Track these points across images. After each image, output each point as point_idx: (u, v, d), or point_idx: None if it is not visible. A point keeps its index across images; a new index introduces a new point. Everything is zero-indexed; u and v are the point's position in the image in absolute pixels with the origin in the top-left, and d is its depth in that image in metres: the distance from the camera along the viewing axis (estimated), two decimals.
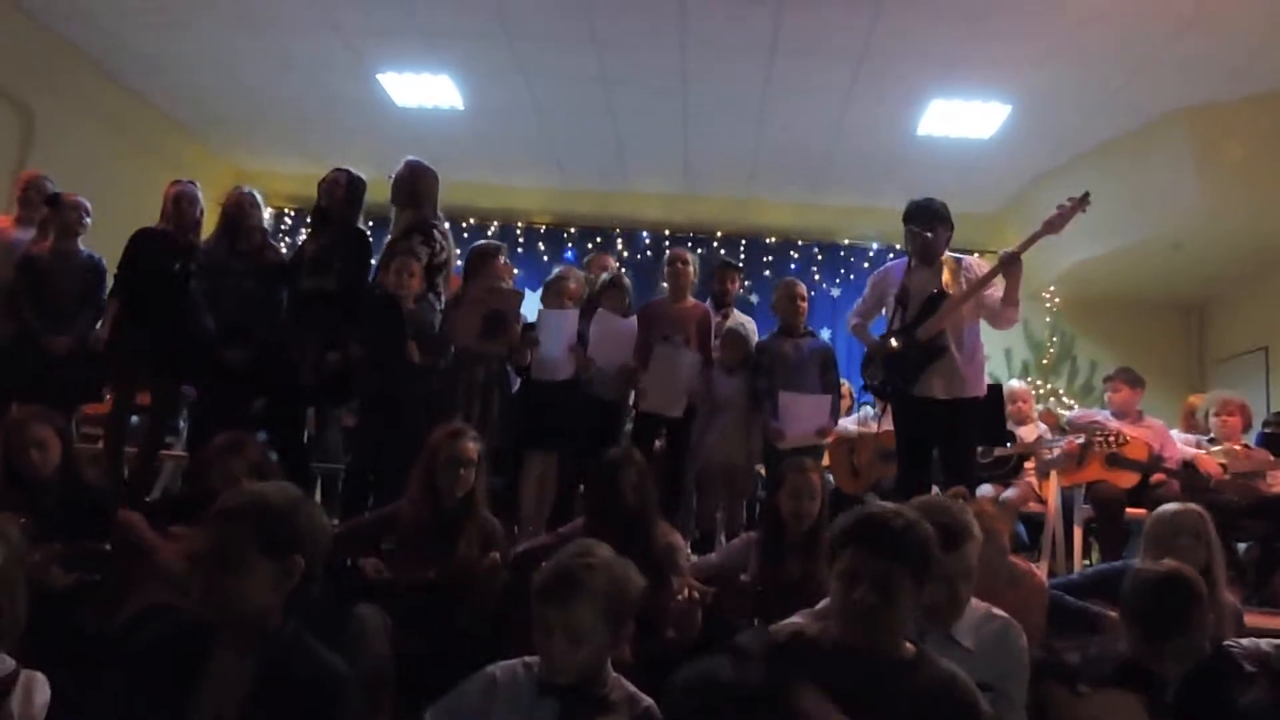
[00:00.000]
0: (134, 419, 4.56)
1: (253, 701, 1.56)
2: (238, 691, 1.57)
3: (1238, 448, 4.51)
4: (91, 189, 4.80)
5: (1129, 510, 4.28)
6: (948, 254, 3.90)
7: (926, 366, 3.72)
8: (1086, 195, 3.51)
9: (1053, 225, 3.55)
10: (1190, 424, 5.24)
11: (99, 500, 2.97)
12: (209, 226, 4.56)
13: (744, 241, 8.35)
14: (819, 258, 8.41)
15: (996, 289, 3.72)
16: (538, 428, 4.21)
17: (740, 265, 5.38)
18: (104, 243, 4.58)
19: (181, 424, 5.06)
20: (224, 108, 7.32)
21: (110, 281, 4.43)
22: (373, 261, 4.41)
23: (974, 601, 2.27)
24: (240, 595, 1.59)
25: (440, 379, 4.11)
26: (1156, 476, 4.37)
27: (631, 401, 4.50)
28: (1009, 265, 3.61)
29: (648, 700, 1.82)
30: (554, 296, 4.47)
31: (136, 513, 2.93)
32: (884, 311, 4.01)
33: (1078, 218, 3.56)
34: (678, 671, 1.80)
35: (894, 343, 3.80)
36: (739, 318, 4.99)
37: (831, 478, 4.93)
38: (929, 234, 3.79)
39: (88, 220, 4.52)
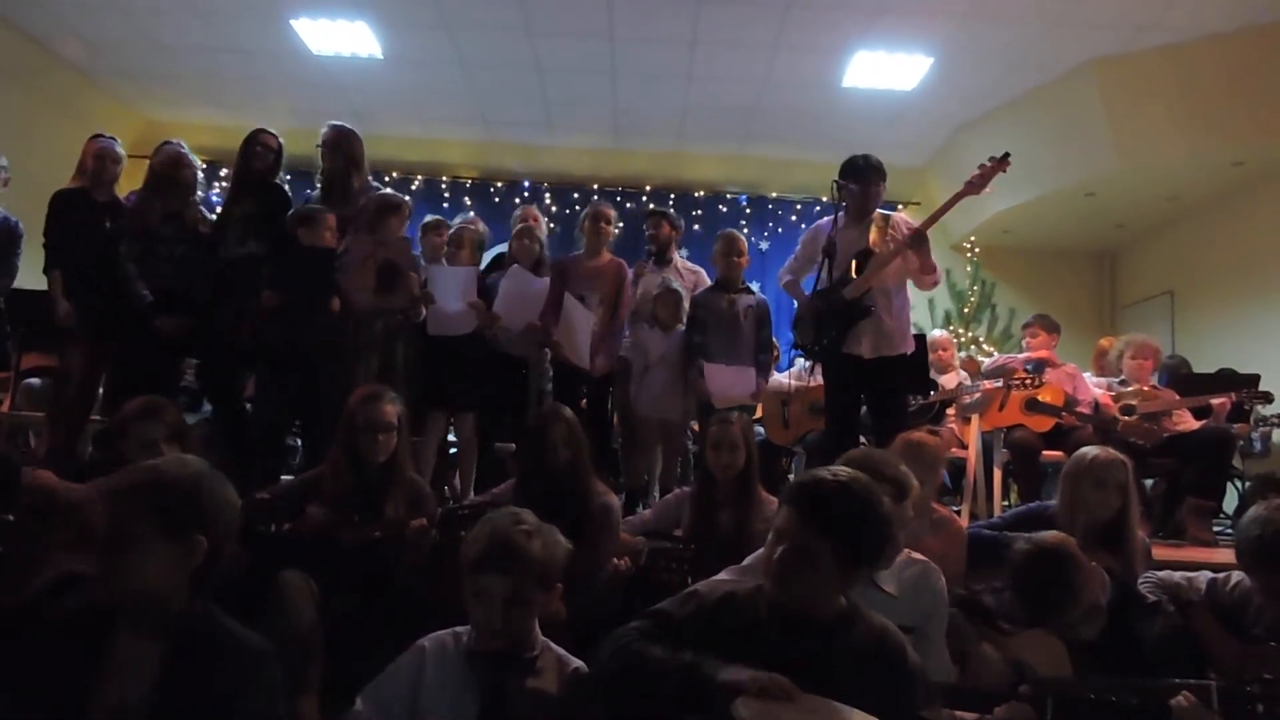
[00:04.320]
0: (36, 382, 4.38)
1: (161, 688, 1.47)
2: (143, 678, 1.48)
3: (1146, 388, 4.70)
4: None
5: (1045, 453, 4.45)
6: (878, 211, 3.91)
7: (853, 325, 3.76)
8: (1007, 155, 3.53)
9: (974, 185, 3.58)
10: (1101, 366, 5.44)
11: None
12: (127, 181, 4.36)
13: (673, 195, 8.31)
14: (747, 211, 8.44)
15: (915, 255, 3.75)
16: (438, 386, 4.07)
17: (668, 211, 5.23)
18: (14, 201, 4.35)
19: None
20: (133, 58, 6.93)
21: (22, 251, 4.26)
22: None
23: None
24: (138, 577, 1.48)
25: (338, 334, 3.96)
26: (1069, 419, 4.54)
27: (549, 358, 4.45)
28: (915, 243, 3.63)
29: (576, 662, 1.83)
30: (429, 245, 4.34)
31: (48, 472, 2.80)
32: (815, 268, 4.03)
33: (998, 175, 3.60)
34: (606, 643, 1.78)
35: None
36: (683, 265, 4.95)
37: (763, 429, 5.00)
38: (853, 187, 3.80)
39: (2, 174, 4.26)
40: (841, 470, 1.73)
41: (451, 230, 4.44)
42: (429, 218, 4.94)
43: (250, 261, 4.02)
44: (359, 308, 3.96)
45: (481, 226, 4.62)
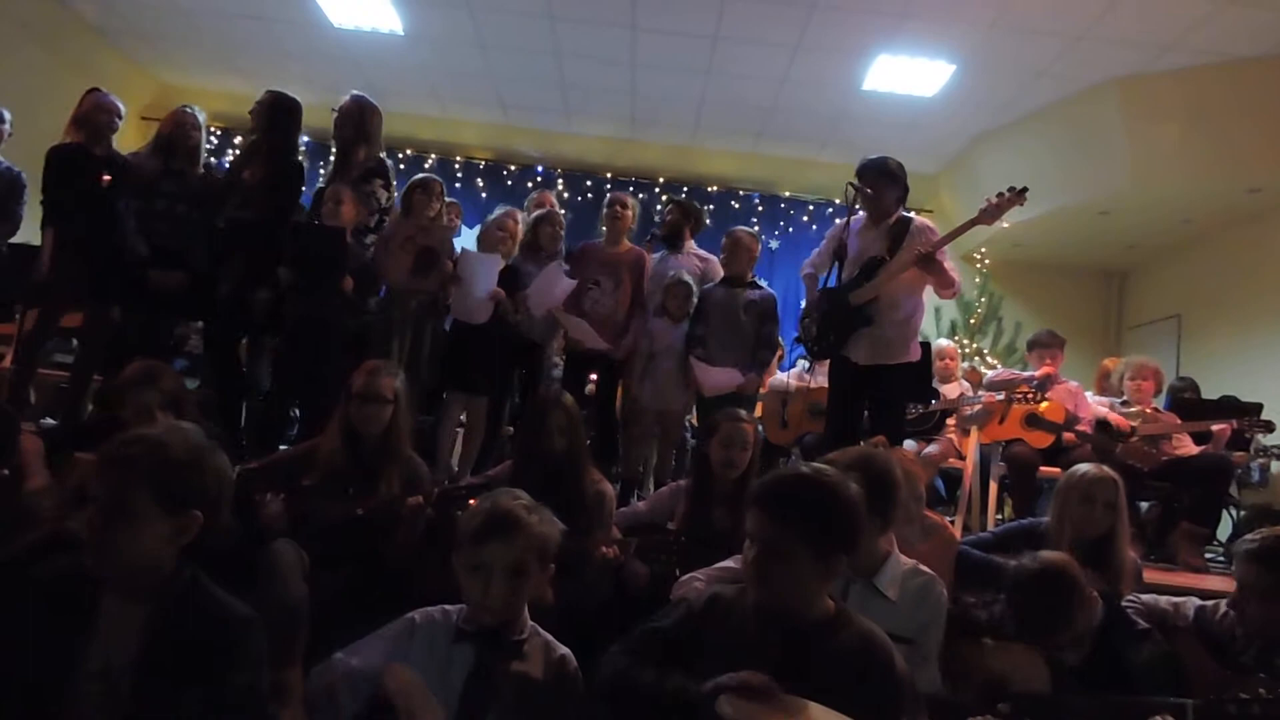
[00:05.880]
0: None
1: (146, 653, 1.47)
2: (129, 643, 1.48)
3: (1148, 410, 4.69)
4: (11, 99, 4.52)
5: (1042, 470, 4.44)
6: (901, 214, 3.89)
7: (854, 331, 3.75)
8: (1024, 190, 3.50)
9: (987, 215, 3.56)
10: (1104, 386, 5.42)
11: None
12: (131, 140, 4.35)
13: (686, 189, 8.29)
14: (759, 209, 8.40)
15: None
16: (458, 368, 4.15)
17: (688, 203, 5.24)
18: (25, 157, 4.34)
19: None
20: (151, 20, 6.90)
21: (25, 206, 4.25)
22: (302, 189, 4.30)
23: (901, 555, 2.32)
24: (131, 549, 1.48)
25: (373, 314, 4.06)
26: (1068, 437, 4.53)
27: (560, 346, 4.48)
28: (924, 264, 3.60)
29: (563, 649, 1.83)
30: (490, 238, 4.38)
31: (35, 438, 2.81)
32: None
33: (1014, 208, 3.56)
34: (604, 664, 1.77)
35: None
36: (695, 252, 4.93)
37: (762, 428, 4.99)
38: (869, 190, 3.79)
39: (4, 126, 4.26)
40: (801, 464, 1.76)
41: (493, 219, 4.49)
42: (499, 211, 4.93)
43: (238, 227, 4.03)
44: (394, 285, 4.09)
45: (520, 215, 4.67)
